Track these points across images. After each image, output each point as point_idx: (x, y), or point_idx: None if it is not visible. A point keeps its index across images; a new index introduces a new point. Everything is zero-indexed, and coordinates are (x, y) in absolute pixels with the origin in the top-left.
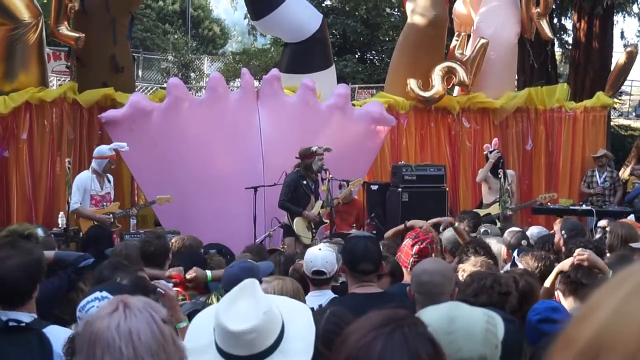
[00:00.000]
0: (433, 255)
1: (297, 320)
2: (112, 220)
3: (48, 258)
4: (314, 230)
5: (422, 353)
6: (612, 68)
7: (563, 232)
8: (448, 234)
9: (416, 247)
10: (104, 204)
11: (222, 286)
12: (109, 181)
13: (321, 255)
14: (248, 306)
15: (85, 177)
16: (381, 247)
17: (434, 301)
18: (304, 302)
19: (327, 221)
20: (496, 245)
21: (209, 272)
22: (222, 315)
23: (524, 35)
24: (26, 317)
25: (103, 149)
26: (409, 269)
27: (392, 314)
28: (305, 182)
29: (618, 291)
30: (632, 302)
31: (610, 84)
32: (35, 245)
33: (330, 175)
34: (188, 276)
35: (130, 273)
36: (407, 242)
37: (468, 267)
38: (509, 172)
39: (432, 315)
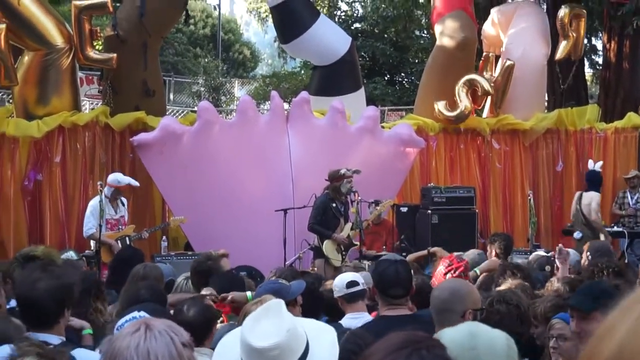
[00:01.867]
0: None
1: (321, 340)
2: (119, 247)
3: None
4: (344, 253)
5: None
6: None
7: (588, 253)
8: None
9: (449, 275)
10: (120, 227)
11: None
12: (123, 204)
13: (351, 273)
14: (272, 325)
15: (97, 203)
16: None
17: (443, 318)
18: None
19: (358, 243)
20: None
21: (249, 293)
22: (246, 333)
23: (571, 56)
24: (55, 339)
25: (115, 178)
26: None
27: (410, 337)
28: (334, 204)
29: (631, 313)
30: None
31: None
32: (68, 270)
33: (359, 197)
34: (224, 299)
35: (197, 303)
36: (440, 269)
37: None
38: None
39: (453, 333)
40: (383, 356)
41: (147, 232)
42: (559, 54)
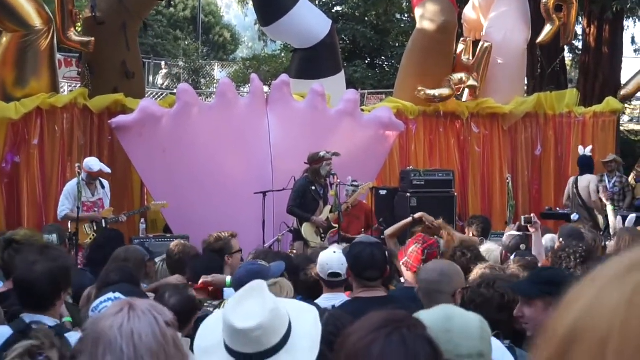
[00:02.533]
0: (438, 258)
1: (303, 319)
2: (100, 217)
3: None
4: (322, 235)
5: (421, 354)
6: (622, 73)
7: (560, 239)
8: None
9: (427, 252)
10: (96, 209)
11: (233, 286)
12: (103, 187)
13: (337, 257)
14: (255, 305)
15: (73, 185)
16: None
17: (432, 299)
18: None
19: (337, 226)
20: (491, 247)
21: (228, 278)
22: (229, 314)
23: (561, 40)
24: (50, 321)
25: (88, 163)
26: (416, 273)
27: (391, 316)
28: (314, 187)
29: (594, 283)
30: (605, 293)
31: (631, 87)
32: (63, 253)
33: (338, 180)
34: (203, 280)
35: (181, 292)
36: (416, 247)
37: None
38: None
39: (428, 316)
40: (364, 335)
41: (125, 216)
42: (541, 38)
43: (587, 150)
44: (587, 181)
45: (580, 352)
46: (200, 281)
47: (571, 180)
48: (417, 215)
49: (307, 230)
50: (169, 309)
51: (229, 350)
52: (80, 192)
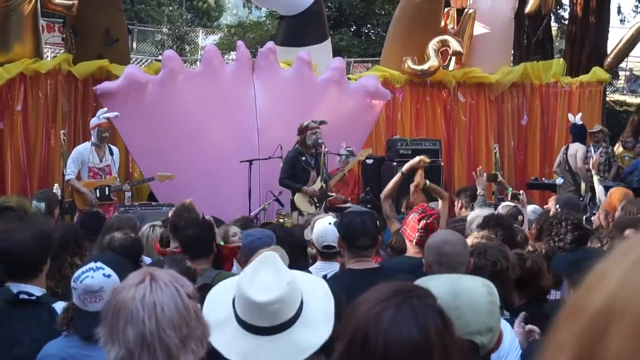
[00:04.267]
0: (437, 230)
1: (314, 292)
2: (94, 200)
3: None
4: (317, 205)
5: (431, 325)
6: (608, 43)
7: (557, 206)
8: None
9: (423, 222)
10: (102, 175)
11: (242, 254)
12: (112, 153)
13: (332, 230)
14: (271, 277)
15: (82, 149)
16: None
17: (455, 271)
18: None
19: (333, 194)
20: (479, 213)
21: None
22: (245, 286)
23: (542, 9)
24: (37, 290)
25: (93, 119)
26: (413, 243)
27: (400, 286)
28: (304, 158)
29: (626, 258)
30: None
31: (613, 57)
32: (45, 219)
33: (326, 149)
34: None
35: (179, 263)
36: (414, 216)
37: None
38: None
39: (434, 290)
40: (374, 305)
41: (128, 185)
42: (529, 8)
43: (577, 119)
44: (575, 149)
45: (620, 330)
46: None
47: (563, 148)
48: (404, 169)
49: (299, 200)
50: (115, 247)
51: (242, 323)
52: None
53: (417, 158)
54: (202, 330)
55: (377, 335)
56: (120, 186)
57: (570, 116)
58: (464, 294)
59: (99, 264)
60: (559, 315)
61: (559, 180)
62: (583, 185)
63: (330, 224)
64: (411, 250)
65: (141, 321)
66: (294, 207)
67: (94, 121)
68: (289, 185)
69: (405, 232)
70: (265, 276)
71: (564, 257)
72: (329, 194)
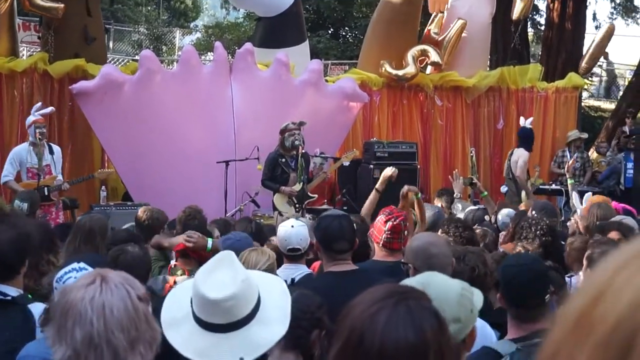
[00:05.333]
0: (405, 232)
1: (271, 290)
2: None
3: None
4: (297, 206)
5: (426, 326)
6: (584, 49)
7: (534, 212)
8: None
9: (389, 224)
10: (42, 176)
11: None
12: (52, 152)
13: (294, 232)
14: (226, 275)
15: (19, 150)
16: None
17: (444, 272)
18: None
19: (315, 195)
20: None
21: (210, 241)
22: (200, 284)
23: (513, 13)
24: (13, 291)
25: (28, 117)
26: (380, 245)
27: (396, 288)
28: (283, 159)
29: (633, 266)
30: None
31: (586, 62)
32: (24, 220)
33: (303, 151)
34: (189, 238)
35: (135, 249)
36: (381, 218)
37: None
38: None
39: (408, 282)
40: (369, 305)
41: (67, 184)
42: (516, 14)
43: (528, 122)
44: (517, 155)
45: None
46: (181, 238)
47: (509, 153)
48: (378, 186)
49: (277, 200)
50: (125, 267)
51: (199, 321)
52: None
53: (389, 171)
54: (152, 334)
55: (372, 336)
56: (59, 185)
57: (521, 119)
58: (434, 285)
59: (81, 264)
60: (558, 328)
61: (503, 188)
62: (523, 194)
63: (292, 226)
64: (379, 254)
65: (89, 322)
66: (275, 207)
67: (29, 119)
68: (269, 186)
69: (372, 234)
70: (221, 274)
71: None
72: (309, 195)
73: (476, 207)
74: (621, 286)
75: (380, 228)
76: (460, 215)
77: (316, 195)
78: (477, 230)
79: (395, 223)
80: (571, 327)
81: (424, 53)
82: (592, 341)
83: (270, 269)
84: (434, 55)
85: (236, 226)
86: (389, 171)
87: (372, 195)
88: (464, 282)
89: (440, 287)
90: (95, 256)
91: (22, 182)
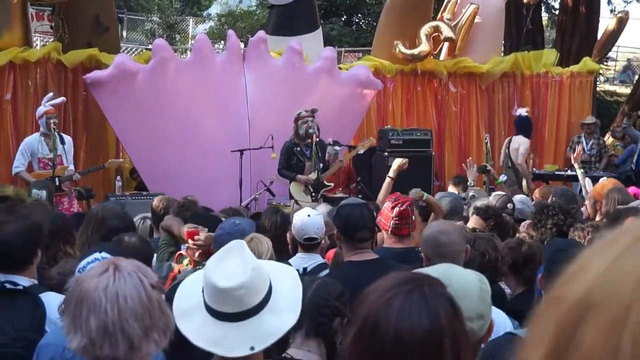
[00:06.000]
0: (413, 217)
1: (283, 279)
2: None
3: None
4: (313, 194)
5: (441, 312)
6: (598, 34)
7: (554, 198)
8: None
9: (396, 210)
10: (52, 166)
11: (213, 248)
12: (63, 142)
13: (311, 222)
14: (236, 264)
15: (31, 140)
16: None
17: (455, 261)
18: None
19: (331, 184)
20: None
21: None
22: (210, 273)
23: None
24: (25, 281)
25: (39, 108)
26: (389, 232)
27: (411, 275)
28: (298, 148)
29: (611, 249)
30: (625, 259)
31: (597, 50)
32: (34, 210)
33: (317, 139)
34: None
35: (135, 235)
36: (387, 205)
37: None
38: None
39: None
40: (384, 292)
41: (78, 174)
42: None
43: (524, 111)
44: (518, 143)
45: (596, 320)
46: (186, 230)
47: (506, 141)
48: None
49: (294, 189)
50: (124, 252)
51: (210, 310)
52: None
53: (399, 162)
54: (166, 321)
55: (387, 322)
56: (70, 176)
57: (515, 108)
58: (455, 280)
59: (103, 254)
60: (539, 307)
61: (503, 177)
62: (524, 183)
63: (309, 216)
64: (388, 241)
65: (104, 311)
66: (291, 196)
67: (40, 110)
68: (284, 175)
69: (380, 222)
70: (230, 263)
71: (548, 245)
72: (325, 183)
73: (502, 194)
74: (590, 267)
75: (387, 215)
76: (478, 203)
77: (332, 184)
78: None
79: (402, 209)
80: (544, 307)
81: (436, 29)
82: (553, 319)
83: (270, 259)
84: (446, 31)
85: (262, 217)
86: (398, 162)
87: (386, 182)
88: (477, 273)
89: (461, 283)
90: (116, 245)
91: (33, 173)
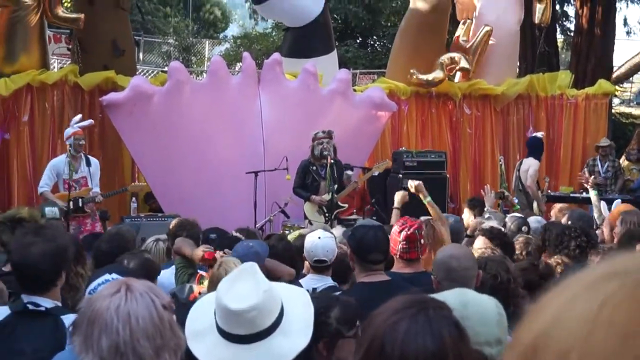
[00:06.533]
0: (422, 241)
1: (295, 301)
2: (64, 209)
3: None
4: (326, 215)
5: (446, 335)
6: (614, 56)
7: (569, 222)
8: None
9: (403, 234)
10: (76, 187)
11: None
12: (89, 164)
13: (321, 244)
14: (248, 286)
15: (57, 162)
16: None
17: (466, 286)
18: None
19: (345, 205)
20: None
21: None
22: (222, 296)
23: (532, 19)
24: (48, 303)
25: (67, 130)
26: (397, 257)
27: (417, 298)
28: (314, 167)
29: (565, 293)
30: (574, 302)
31: (620, 76)
32: (60, 233)
33: (332, 161)
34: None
35: (136, 256)
36: (395, 229)
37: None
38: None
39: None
40: (390, 315)
41: (102, 196)
42: (537, 19)
43: (538, 134)
44: (528, 165)
45: None
46: (200, 251)
47: (518, 163)
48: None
49: (308, 209)
50: (127, 273)
51: (222, 332)
52: (64, 170)
53: (404, 193)
54: (176, 342)
55: (393, 344)
56: (92, 197)
57: (530, 130)
58: (473, 305)
59: (114, 275)
60: (506, 349)
61: (514, 200)
62: (535, 205)
63: (319, 238)
64: (396, 265)
65: (115, 331)
66: (305, 216)
67: (68, 131)
68: (299, 194)
69: None
70: (242, 285)
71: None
72: (340, 204)
73: (518, 216)
74: (544, 311)
75: (395, 239)
76: (483, 225)
77: (346, 205)
78: (520, 239)
79: (409, 233)
80: (508, 346)
81: (453, 61)
82: (512, 355)
83: None
84: (462, 62)
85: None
86: (400, 195)
87: (394, 214)
88: (492, 297)
89: (478, 309)
90: (126, 267)
91: (57, 194)
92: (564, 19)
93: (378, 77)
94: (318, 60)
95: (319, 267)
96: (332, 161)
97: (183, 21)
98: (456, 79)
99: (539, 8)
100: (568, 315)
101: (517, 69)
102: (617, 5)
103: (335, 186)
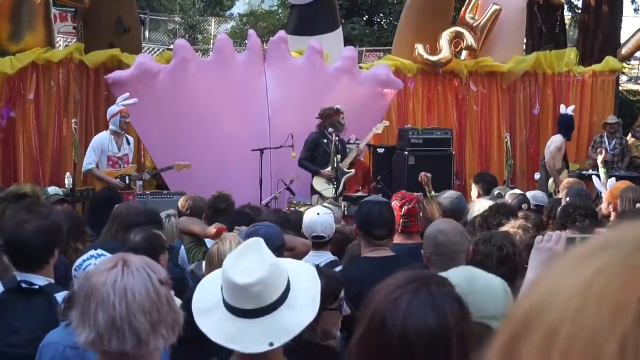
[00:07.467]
0: (421, 214)
1: (302, 276)
2: (122, 185)
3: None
4: (334, 183)
5: (448, 311)
6: (621, 33)
7: (568, 198)
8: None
9: (405, 208)
10: (121, 165)
11: None
12: (129, 143)
13: (320, 220)
14: (254, 261)
15: (102, 138)
16: None
17: (454, 261)
18: None
19: (352, 171)
20: (485, 204)
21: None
22: (229, 271)
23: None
24: (42, 280)
25: (112, 107)
26: (399, 231)
27: (419, 274)
28: (326, 141)
29: (559, 265)
30: (565, 277)
31: (627, 51)
32: (54, 211)
33: (337, 138)
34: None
35: (144, 230)
36: (395, 204)
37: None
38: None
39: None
40: (392, 291)
41: (148, 174)
42: None
43: (570, 110)
44: (551, 141)
45: (529, 340)
46: (213, 229)
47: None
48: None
49: (317, 183)
50: (132, 247)
51: (229, 307)
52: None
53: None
54: (174, 317)
55: (394, 320)
56: (140, 175)
57: (562, 107)
58: (479, 280)
59: (99, 251)
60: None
61: (537, 175)
62: (550, 181)
63: (318, 214)
64: (398, 238)
65: (112, 306)
66: (313, 190)
67: (113, 109)
68: (307, 167)
69: None
70: (248, 260)
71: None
72: (346, 171)
73: (518, 193)
74: (538, 286)
75: (397, 214)
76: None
77: (353, 171)
78: (520, 214)
79: (410, 207)
80: (504, 321)
81: (458, 35)
82: (504, 333)
83: None
84: (468, 39)
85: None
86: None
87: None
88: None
89: (485, 284)
90: (112, 242)
91: (104, 170)
92: None
93: (384, 54)
94: (324, 37)
95: (318, 242)
96: (337, 139)
97: None
98: (463, 56)
99: None
100: (559, 290)
101: (524, 46)
102: None
103: (339, 156)
